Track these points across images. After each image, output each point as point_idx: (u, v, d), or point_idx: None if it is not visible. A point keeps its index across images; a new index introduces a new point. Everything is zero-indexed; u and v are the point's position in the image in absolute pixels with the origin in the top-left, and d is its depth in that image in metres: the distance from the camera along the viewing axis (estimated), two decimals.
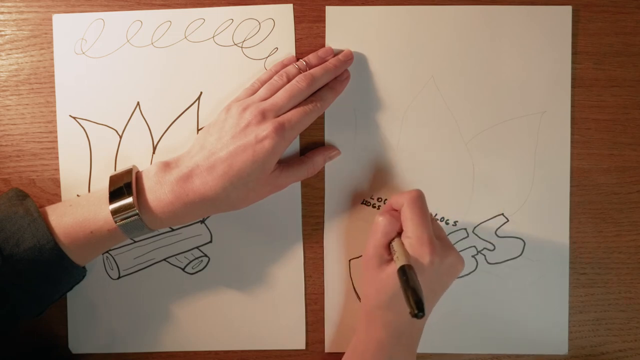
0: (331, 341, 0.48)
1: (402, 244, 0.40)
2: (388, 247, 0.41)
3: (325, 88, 0.45)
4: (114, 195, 0.40)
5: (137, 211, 0.39)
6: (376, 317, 0.41)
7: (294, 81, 0.43)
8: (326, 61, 0.45)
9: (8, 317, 0.41)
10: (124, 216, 0.39)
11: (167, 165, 0.41)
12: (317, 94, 0.44)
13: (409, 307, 0.34)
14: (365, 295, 0.42)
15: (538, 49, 0.46)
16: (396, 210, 0.42)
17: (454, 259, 0.40)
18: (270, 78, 0.45)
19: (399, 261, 0.38)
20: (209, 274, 0.48)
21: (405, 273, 0.36)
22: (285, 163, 0.44)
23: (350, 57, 0.46)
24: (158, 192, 0.40)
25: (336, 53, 0.46)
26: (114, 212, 0.39)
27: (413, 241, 0.39)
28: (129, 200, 0.39)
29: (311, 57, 0.45)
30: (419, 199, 0.41)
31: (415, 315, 0.33)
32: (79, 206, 0.41)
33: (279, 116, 0.42)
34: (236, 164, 0.40)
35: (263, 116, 0.41)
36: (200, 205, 0.41)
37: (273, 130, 0.40)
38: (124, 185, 0.40)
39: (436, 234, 0.41)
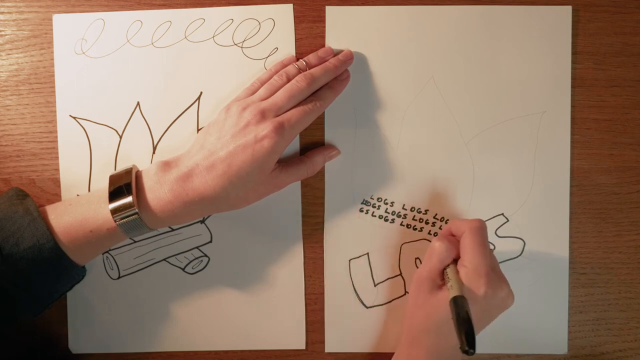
0: (331, 341, 0.48)
1: (457, 272, 0.39)
2: (442, 272, 0.41)
3: (325, 88, 0.45)
4: (114, 195, 0.40)
5: (136, 210, 0.39)
6: (420, 340, 0.41)
7: (293, 81, 0.43)
8: (326, 61, 0.45)
9: (7, 316, 0.41)
10: (124, 215, 0.39)
11: (167, 165, 0.41)
12: (317, 93, 0.44)
13: (459, 341, 0.33)
14: (412, 318, 0.42)
15: (538, 49, 0.46)
16: (454, 236, 0.42)
17: (505, 293, 0.39)
18: (270, 78, 0.45)
19: (453, 291, 0.37)
20: (209, 274, 0.48)
21: (458, 305, 0.35)
22: (285, 163, 0.44)
23: (350, 57, 0.46)
24: (158, 191, 0.40)
25: (336, 53, 0.46)
26: (114, 211, 0.39)
27: (469, 271, 0.39)
28: (129, 199, 0.39)
29: (311, 57, 0.45)
30: (481, 229, 0.40)
31: (465, 352, 0.33)
32: (78, 205, 0.41)
33: (278, 116, 0.42)
34: (236, 163, 0.40)
35: (262, 116, 0.41)
36: (200, 204, 0.41)
37: (272, 130, 0.40)
38: (123, 184, 0.40)
39: (491, 265, 0.40)
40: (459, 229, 0.41)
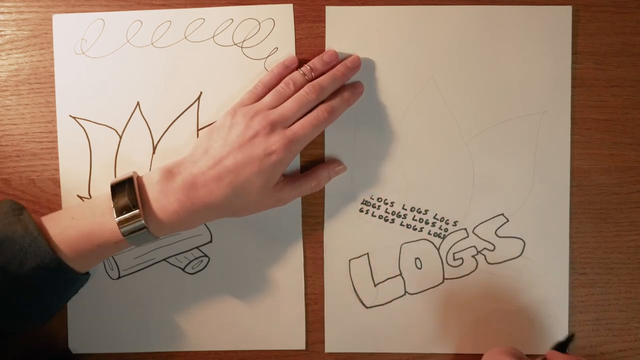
0: (331, 341, 0.48)
1: None
2: None
3: (339, 100, 0.44)
4: (119, 207, 0.39)
5: (144, 223, 0.39)
6: None
7: (302, 92, 0.42)
8: (331, 66, 0.45)
9: (15, 327, 0.42)
10: (131, 229, 0.39)
11: (170, 172, 0.41)
12: (328, 103, 0.44)
13: None
14: None
15: (538, 49, 0.46)
16: None
17: None
18: (272, 80, 0.44)
19: None
20: (209, 274, 0.48)
21: None
22: (289, 177, 0.45)
23: (357, 64, 0.45)
24: (163, 201, 0.40)
25: (341, 57, 0.46)
26: (120, 224, 0.39)
27: None
28: (135, 212, 0.39)
29: (316, 62, 0.45)
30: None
31: None
32: (82, 218, 0.40)
33: (286, 127, 0.41)
34: (243, 174, 0.40)
35: (272, 127, 0.41)
36: (204, 212, 0.41)
37: (282, 145, 0.40)
38: (127, 195, 0.39)
39: None
40: None
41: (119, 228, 0.39)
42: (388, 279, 0.47)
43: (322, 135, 0.47)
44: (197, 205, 0.40)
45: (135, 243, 0.40)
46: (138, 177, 0.42)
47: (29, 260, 0.38)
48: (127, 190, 0.40)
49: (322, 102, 0.44)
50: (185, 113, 0.47)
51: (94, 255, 0.40)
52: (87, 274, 0.43)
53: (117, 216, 0.39)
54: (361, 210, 0.47)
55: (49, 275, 0.39)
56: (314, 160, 0.47)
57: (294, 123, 0.42)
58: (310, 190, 0.45)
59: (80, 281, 0.42)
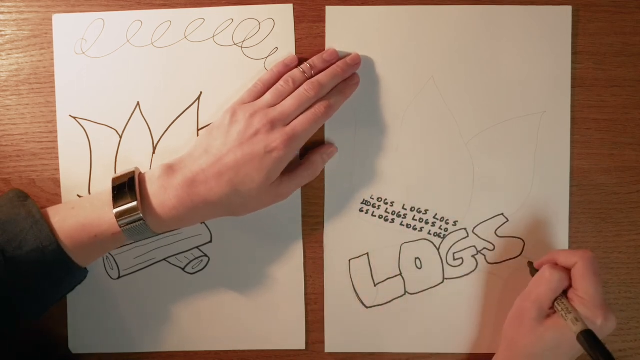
0: (331, 341, 0.48)
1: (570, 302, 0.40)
2: (551, 301, 0.41)
3: (335, 92, 0.44)
4: (118, 200, 0.39)
5: (141, 216, 0.39)
6: None
7: (302, 89, 0.43)
8: (331, 64, 0.45)
9: (9, 317, 0.41)
10: (129, 221, 0.39)
11: (170, 169, 0.41)
12: (325, 97, 0.44)
13: None
14: (514, 342, 0.42)
15: (538, 49, 0.46)
16: (559, 266, 0.43)
17: (613, 322, 0.40)
18: (272, 79, 0.44)
19: (579, 324, 0.38)
20: (209, 274, 0.48)
21: (592, 339, 0.37)
22: (285, 171, 0.45)
23: (358, 61, 0.45)
24: (162, 196, 0.40)
25: (341, 55, 0.46)
26: (119, 217, 0.39)
27: (587, 302, 0.40)
28: (133, 204, 0.39)
29: (316, 61, 0.45)
30: (595, 260, 0.41)
31: None
32: (82, 209, 0.41)
33: (286, 124, 0.42)
34: (243, 171, 0.40)
35: (272, 125, 0.41)
36: (204, 209, 0.41)
37: (282, 142, 0.40)
38: (127, 189, 0.40)
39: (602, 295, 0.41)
40: (568, 260, 0.42)
41: (117, 220, 0.39)
42: (388, 278, 0.47)
43: (322, 135, 0.47)
44: (196, 202, 0.40)
45: (132, 237, 0.40)
46: (140, 173, 0.42)
47: (28, 242, 0.38)
48: (127, 185, 0.40)
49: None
50: (185, 113, 0.47)
51: (92, 248, 0.40)
52: (85, 271, 0.43)
53: (115, 208, 0.39)
54: (361, 210, 0.47)
55: (46, 260, 0.39)
56: None
57: (293, 120, 0.42)
58: (308, 179, 0.45)
59: (77, 276, 0.42)
